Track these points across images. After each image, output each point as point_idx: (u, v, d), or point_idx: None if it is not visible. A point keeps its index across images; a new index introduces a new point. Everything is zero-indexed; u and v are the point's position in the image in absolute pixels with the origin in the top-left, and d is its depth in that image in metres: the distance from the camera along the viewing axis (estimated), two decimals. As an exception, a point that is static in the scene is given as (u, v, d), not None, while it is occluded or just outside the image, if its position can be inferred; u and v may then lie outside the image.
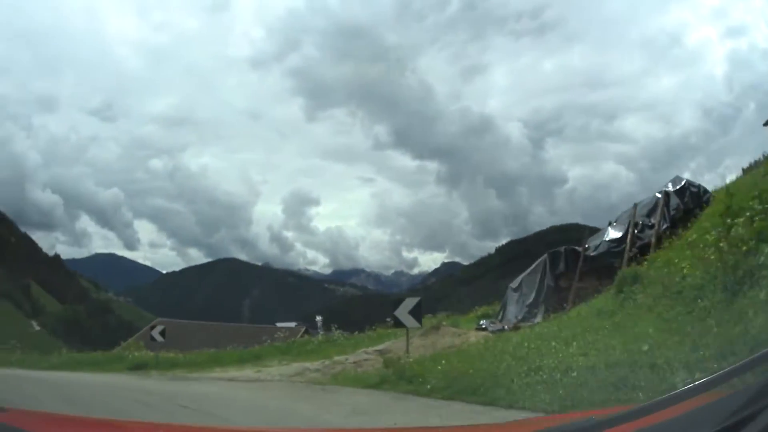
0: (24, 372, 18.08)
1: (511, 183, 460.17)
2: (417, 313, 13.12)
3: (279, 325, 36.85)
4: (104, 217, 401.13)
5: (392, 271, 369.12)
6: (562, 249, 18.45)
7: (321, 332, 27.69)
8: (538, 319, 16.43)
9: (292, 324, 35.49)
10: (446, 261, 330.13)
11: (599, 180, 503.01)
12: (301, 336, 27.25)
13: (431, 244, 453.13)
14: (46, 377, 15.90)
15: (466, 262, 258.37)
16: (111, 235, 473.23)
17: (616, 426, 1.49)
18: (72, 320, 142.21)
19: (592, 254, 17.34)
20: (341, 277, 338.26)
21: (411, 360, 11.99)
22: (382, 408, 8.98)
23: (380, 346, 16.61)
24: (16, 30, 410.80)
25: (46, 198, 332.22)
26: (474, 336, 16.17)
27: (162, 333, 19.95)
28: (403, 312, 13.06)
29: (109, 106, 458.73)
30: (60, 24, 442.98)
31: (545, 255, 18.42)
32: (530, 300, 18.05)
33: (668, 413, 1.45)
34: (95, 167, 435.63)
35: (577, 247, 18.06)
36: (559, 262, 17.97)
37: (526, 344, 10.62)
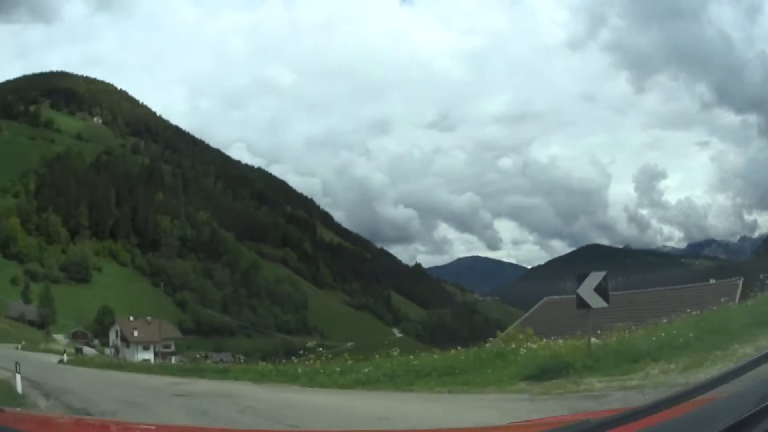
0: (292, 396, 12.89)
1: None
2: None
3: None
4: (463, 222, 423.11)
5: (737, 237, 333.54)
6: None
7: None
8: None
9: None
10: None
11: None
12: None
13: (765, 203, 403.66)
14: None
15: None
16: (472, 238, 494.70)
17: (614, 428, 1.51)
18: (437, 324, 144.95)
19: None
20: (695, 249, 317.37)
21: None
22: None
23: None
24: (330, 67, 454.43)
25: (399, 213, 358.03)
26: None
27: (601, 289, 10.91)
28: None
29: (444, 117, 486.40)
30: (369, 53, 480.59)
31: None
32: None
33: (666, 415, 1.48)
34: (445, 176, 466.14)
35: None
36: None
37: None
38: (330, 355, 19.90)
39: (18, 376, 13.72)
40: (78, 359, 38.68)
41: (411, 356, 15.67)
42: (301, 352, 24.79)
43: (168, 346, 77.20)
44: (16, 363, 14.10)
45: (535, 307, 26.42)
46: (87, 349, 72.58)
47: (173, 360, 59.31)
